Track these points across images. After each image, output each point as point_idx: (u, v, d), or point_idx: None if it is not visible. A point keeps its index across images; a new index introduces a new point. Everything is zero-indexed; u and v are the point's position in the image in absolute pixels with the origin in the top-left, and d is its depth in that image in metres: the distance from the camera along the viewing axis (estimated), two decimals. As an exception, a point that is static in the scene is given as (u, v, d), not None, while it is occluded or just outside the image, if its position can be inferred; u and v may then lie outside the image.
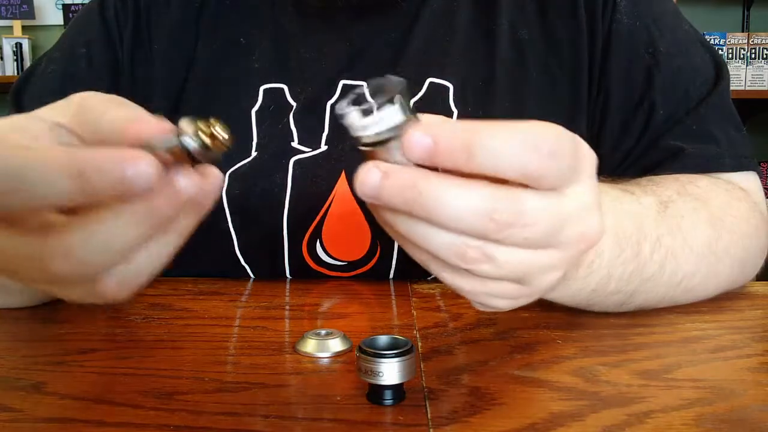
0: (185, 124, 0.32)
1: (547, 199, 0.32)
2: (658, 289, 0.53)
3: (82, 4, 3.06)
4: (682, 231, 0.53)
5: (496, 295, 0.36)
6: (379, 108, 0.31)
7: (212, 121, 0.31)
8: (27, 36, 3.12)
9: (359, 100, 0.31)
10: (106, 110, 0.33)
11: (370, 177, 0.31)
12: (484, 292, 0.36)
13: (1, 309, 0.56)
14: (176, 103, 0.69)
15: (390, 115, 0.31)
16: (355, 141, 0.32)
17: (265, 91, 0.68)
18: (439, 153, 0.30)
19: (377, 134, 0.31)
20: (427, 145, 0.30)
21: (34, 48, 3.17)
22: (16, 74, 3.04)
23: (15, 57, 3.05)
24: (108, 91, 0.67)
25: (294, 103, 0.67)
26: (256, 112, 0.68)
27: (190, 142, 0.31)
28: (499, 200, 0.31)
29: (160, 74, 0.69)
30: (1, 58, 3.07)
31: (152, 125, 0.31)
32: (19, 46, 3.07)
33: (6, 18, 3.11)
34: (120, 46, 0.70)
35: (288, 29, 0.70)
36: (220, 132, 0.31)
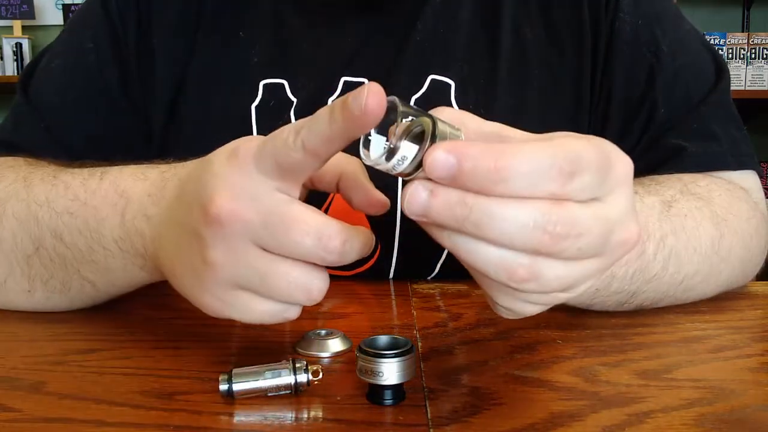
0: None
1: (594, 208, 0.31)
2: (660, 288, 0.53)
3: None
4: (686, 231, 0.53)
5: (534, 302, 0.35)
6: (394, 150, 0.31)
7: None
8: (27, 36, 3.11)
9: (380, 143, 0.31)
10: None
11: (417, 196, 0.30)
12: (522, 304, 0.35)
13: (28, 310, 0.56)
14: (175, 95, 0.69)
15: (409, 149, 0.30)
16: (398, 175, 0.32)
17: (265, 86, 0.68)
18: (463, 174, 0.29)
19: (407, 171, 0.31)
20: (449, 162, 0.29)
21: (34, 48, 3.17)
22: (16, 74, 3.04)
23: (15, 57, 3.05)
24: (117, 84, 0.68)
25: (294, 99, 0.67)
26: (256, 107, 0.67)
27: None
28: (552, 212, 0.30)
29: (160, 68, 0.69)
30: (1, 58, 3.07)
31: None
32: (19, 46, 3.07)
33: (6, 18, 3.10)
34: (124, 39, 0.70)
35: (289, 24, 0.69)
36: None
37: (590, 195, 0.31)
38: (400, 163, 0.31)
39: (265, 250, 0.36)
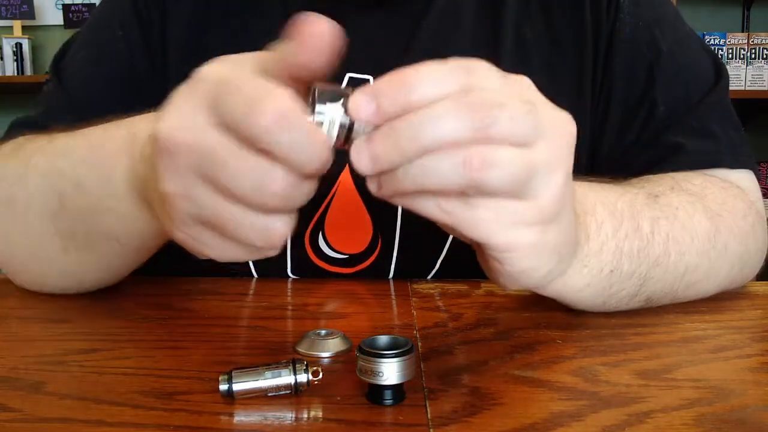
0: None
1: (508, 87, 0.35)
2: (666, 278, 0.53)
3: (83, 5, 3.08)
4: (679, 219, 0.54)
5: (513, 219, 0.36)
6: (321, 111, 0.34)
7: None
8: (27, 36, 3.11)
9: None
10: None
11: (359, 152, 0.33)
12: (502, 220, 0.36)
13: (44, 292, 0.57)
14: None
15: (334, 109, 0.34)
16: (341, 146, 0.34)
17: None
18: (381, 99, 0.33)
19: (342, 135, 0.34)
20: (368, 101, 0.33)
21: (34, 48, 3.17)
22: (16, 74, 3.04)
23: (15, 57, 3.05)
24: (146, 72, 0.69)
25: None
26: None
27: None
28: (470, 96, 0.33)
29: (173, 62, 0.70)
30: (1, 58, 3.07)
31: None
32: (19, 46, 3.07)
33: (6, 18, 3.10)
34: (150, 28, 0.70)
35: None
36: None
37: (496, 83, 0.35)
38: (332, 125, 0.34)
39: (215, 186, 0.35)
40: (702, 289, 0.57)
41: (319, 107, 0.34)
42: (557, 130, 0.37)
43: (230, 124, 0.34)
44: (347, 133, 0.34)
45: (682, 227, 0.54)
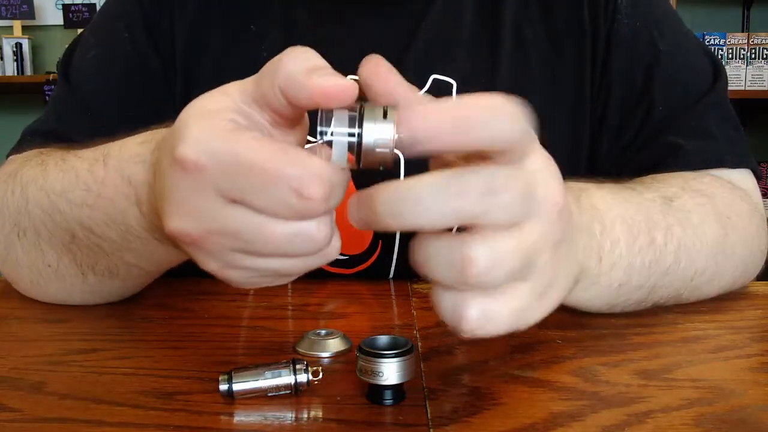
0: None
1: (512, 168, 0.32)
2: (674, 284, 0.53)
3: (83, 5, 3.07)
4: (692, 224, 0.54)
5: (517, 305, 0.34)
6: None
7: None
8: (27, 36, 3.11)
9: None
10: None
11: (353, 208, 0.32)
12: (513, 307, 0.34)
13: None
14: (188, 85, 0.70)
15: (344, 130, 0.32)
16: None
17: None
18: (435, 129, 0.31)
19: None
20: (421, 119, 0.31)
21: (34, 48, 3.17)
22: (16, 74, 3.04)
23: (15, 57, 3.05)
24: (157, 72, 0.69)
25: None
26: None
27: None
28: (465, 176, 0.31)
29: (180, 62, 0.70)
30: (1, 58, 3.07)
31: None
32: (19, 46, 3.06)
33: (6, 18, 3.10)
34: (157, 28, 0.70)
35: (297, 21, 0.70)
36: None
37: (526, 146, 0.33)
38: (342, 146, 0.32)
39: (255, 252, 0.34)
40: (706, 291, 0.57)
41: (327, 128, 0.32)
42: (546, 205, 0.34)
43: (248, 203, 0.32)
44: (357, 149, 0.32)
45: (693, 233, 0.53)
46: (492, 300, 0.33)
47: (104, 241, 0.49)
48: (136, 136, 0.46)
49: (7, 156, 0.66)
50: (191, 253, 0.35)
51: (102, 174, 0.47)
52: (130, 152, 0.45)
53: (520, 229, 0.33)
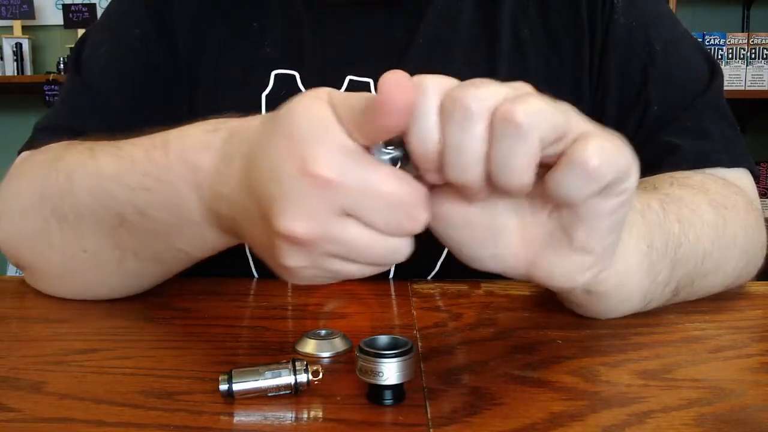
0: None
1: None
2: (689, 261, 0.52)
3: (83, 5, 3.07)
4: (687, 205, 0.54)
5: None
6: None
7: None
8: (27, 36, 3.11)
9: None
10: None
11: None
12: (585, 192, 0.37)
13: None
14: (190, 83, 0.70)
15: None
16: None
17: (276, 75, 0.69)
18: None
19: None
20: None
21: (34, 48, 3.17)
22: (16, 74, 3.04)
23: (15, 57, 3.05)
24: (166, 68, 0.70)
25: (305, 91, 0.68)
26: (267, 96, 0.68)
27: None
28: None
29: (183, 60, 0.70)
30: (1, 58, 3.07)
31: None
32: (19, 46, 3.06)
33: (6, 18, 3.10)
34: (163, 26, 0.71)
35: (299, 20, 0.71)
36: None
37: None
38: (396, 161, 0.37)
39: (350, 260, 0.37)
40: (711, 282, 0.57)
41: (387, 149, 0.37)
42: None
43: (363, 219, 0.36)
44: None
45: (692, 212, 0.53)
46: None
47: (158, 224, 0.49)
48: (197, 124, 0.47)
49: (19, 152, 0.66)
50: (284, 248, 0.37)
51: (162, 160, 0.47)
52: (196, 139, 0.46)
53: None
